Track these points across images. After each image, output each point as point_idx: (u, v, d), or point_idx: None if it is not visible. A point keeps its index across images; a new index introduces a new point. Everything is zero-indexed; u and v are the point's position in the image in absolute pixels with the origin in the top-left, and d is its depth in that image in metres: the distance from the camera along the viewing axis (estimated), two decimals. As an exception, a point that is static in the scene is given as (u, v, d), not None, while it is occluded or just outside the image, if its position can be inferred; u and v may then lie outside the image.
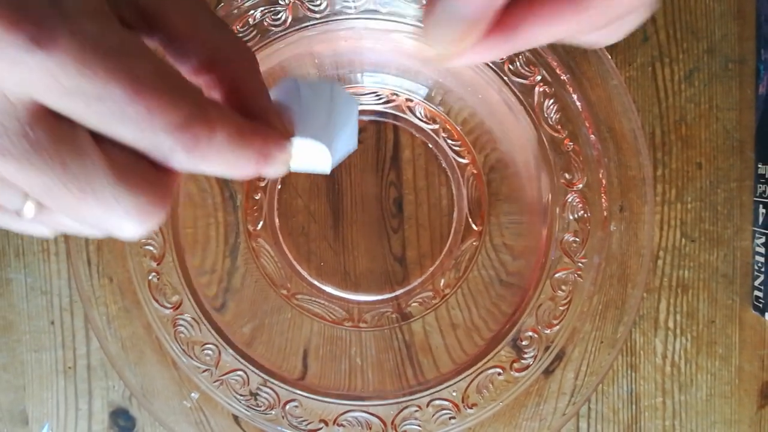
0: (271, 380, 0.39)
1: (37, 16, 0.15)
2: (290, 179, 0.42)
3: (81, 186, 0.17)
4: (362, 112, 0.42)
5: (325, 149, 0.22)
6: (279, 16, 0.38)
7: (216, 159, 0.18)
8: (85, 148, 0.17)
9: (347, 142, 0.23)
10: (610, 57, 0.37)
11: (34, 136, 0.16)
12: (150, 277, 0.38)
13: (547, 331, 0.38)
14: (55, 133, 0.16)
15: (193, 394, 0.38)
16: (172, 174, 0.19)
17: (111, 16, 0.17)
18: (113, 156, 0.17)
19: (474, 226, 0.42)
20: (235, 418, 0.38)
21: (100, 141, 0.17)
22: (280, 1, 0.37)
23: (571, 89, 0.37)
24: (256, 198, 0.42)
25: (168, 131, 0.17)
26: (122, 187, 0.17)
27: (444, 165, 0.42)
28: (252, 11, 0.37)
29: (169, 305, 0.38)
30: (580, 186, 0.38)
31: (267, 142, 0.19)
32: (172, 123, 0.17)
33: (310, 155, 0.22)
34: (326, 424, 0.38)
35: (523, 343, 0.38)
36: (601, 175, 0.38)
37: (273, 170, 0.20)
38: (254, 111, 0.20)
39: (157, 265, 0.38)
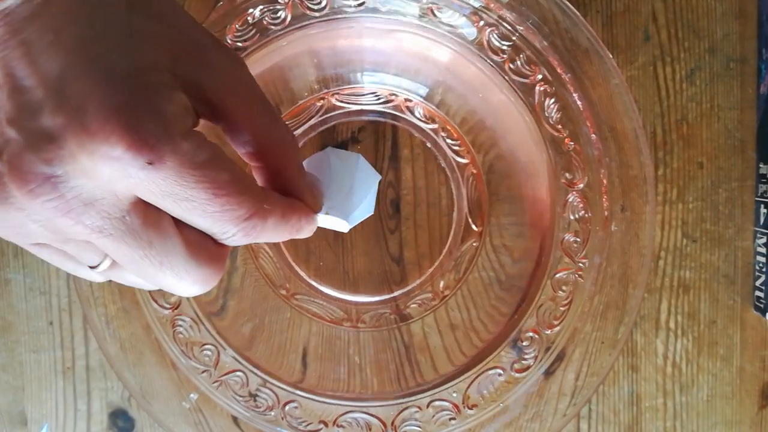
0: (271, 381, 0.38)
1: (152, 140, 0.19)
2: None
3: (161, 259, 0.22)
4: (361, 112, 0.42)
5: (345, 223, 0.27)
6: (278, 14, 0.37)
7: (263, 237, 0.23)
8: (167, 230, 0.22)
9: (365, 209, 0.28)
10: (611, 56, 0.37)
11: (130, 222, 0.21)
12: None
13: (548, 332, 0.38)
14: (146, 219, 0.21)
15: (192, 395, 0.38)
16: (228, 248, 0.23)
17: (200, 133, 0.21)
18: (187, 236, 0.22)
19: (474, 227, 0.42)
20: (235, 419, 0.38)
21: (178, 223, 0.22)
22: (279, 0, 0.37)
23: (572, 88, 0.37)
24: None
25: (234, 223, 0.22)
26: (193, 261, 0.22)
27: (443, 165, 0.42)
28: (251, 9, 0.37)
29: (168, 306, 0.38)
30: (581, 186, 0.38)
31: (301, 218, 0.25)
32: (239, 217, 0.22)
33: (332, 221, 0.27)
34: (326, 425, 0.38)
35: (524, 343, 0.38)
36: (602, 175, 0.38)
37: (302, 236, 0.25)
38: (291, 190, 0.25)
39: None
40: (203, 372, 0.38)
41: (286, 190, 0.25)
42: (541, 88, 0.38)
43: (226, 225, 0.22)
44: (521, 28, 0.37)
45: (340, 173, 0.27)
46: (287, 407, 0.38)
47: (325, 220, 0.27)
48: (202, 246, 0.22)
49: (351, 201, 0.27)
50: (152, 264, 0.22)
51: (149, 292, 0.38)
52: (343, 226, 0.28)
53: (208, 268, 0.23)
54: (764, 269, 0.42)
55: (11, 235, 0.22)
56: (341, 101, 0.42)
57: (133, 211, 0.21)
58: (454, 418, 0.38)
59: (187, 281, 0.22)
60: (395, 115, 0.42)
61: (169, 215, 0.22)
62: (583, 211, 0.38)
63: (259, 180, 0.25)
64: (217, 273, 0.23)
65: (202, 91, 0.22)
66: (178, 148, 0.20)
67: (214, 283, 0.23)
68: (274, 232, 0.23)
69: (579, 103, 0.37)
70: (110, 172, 0.20)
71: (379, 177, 0.29)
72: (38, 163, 0.19)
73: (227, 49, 0.23)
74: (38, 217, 0.20)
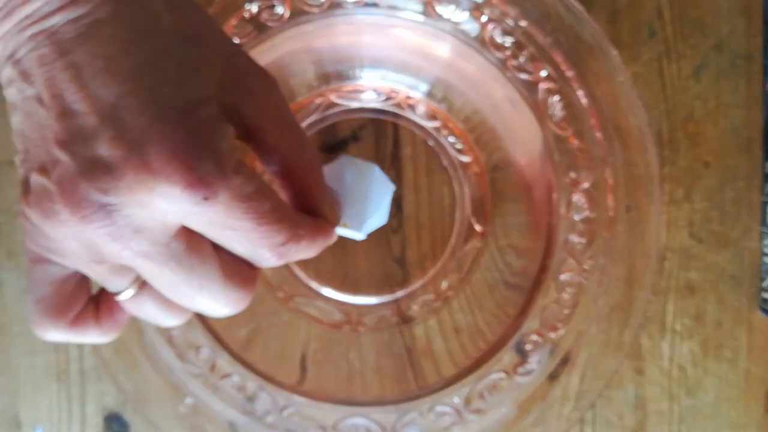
0: (268, 385, 0.38)
1: (209, 178, 0.21)
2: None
3: (200, 283, 0.23)
4: (361, 110, 0.42)
5: (359, 232, 0.29)
6: (276, 10, 0.37)
7: (292, 258, 0.24)
8: (207, 256, 0.23)
9: (379, 218, 0.29)
10: (615, 52, 0.37)
11: (175, 247, 0.22)
12: (143, 280, 0.37)
13: (552, 335, 0.38)
14: (189, 245, 0.22)
15: (187, 400, 0.38)
16: (259, 270, 0.25)
17: (246, 165, 0.22)
18: (224, 259, 0.23)
19: (477, 227, 0.41)
20: (231, 423, 0.38)
21: (214, 246, 0.23)
22: (277, -4, 0.37)
23: (576, 86, 0.37)
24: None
25: (271, 248, 0.23)
26: (228, 284, 0.23)
27: (445, 164, 0.42)
28: (248, 5, 0.37)
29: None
30: (586, 185, 0.38)
31: (325, 237, 0.26)
32: (276, 243, 0.23)
33: (348, 230, 0.29)
34: (324, 430, 0.38)
35: (527, 347, 0.38)
36: (606, 174, 0.37)
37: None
38: (314, 208, 0.26)
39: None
40: (199, 375, 0.38)
41: (309, 207, 0.26)
42: (545, 86, 0.37)
43: (264, 250, 0.23)
44: (524, 23, 0.37)
45: (357, 183, 0.29)
46: (285, 412, 0.38)
47: (341, 229, 0.28)
48: (237, 269, 0.24)
49: (366, 211, 0.29)
50: (191, 287, 0.23)
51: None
52: (357, 235, 0.29)
53: (243, 291, 0.24)
54: (771, 270, 0.41)
55: (42, 250, 0.23)
56: (341, 98, 0.41)
57: (179, 238, 0.22)
58: (456, 423, 0.38)
59: (221, 303, 0.24)
60: (396, 113, 0.42)
61: (209, 240, 0.23)
62: (587, 212, 0.38)
63: (283, 195, 0.26)
64: (249, 295, 0.24)
65: (241, 116, 0.23)
66: (231, 183, 0.21)
67: (246, 305, 0.25)
68: (302, 253, 0.25)
69: (583, 100, 0.37)
70: (166, 206, 0.21)
71: (393, 187, 0.30)
72: (93, 191, 0.20)
73: (264, 73, 0.25)
74: (83, 238, 0.21)
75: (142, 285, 0.24)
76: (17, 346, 0.43)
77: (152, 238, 0.21)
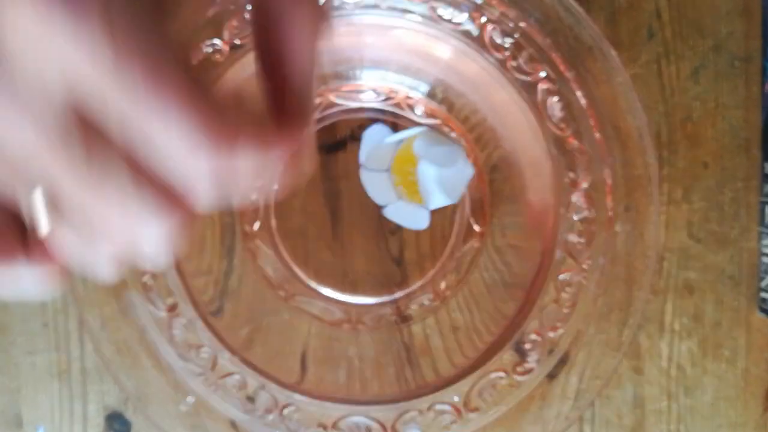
0: (269, 383, 0.38)
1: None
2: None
3: (101, 182, 0.16)
4: (361, 110, 0.42)
5: (424, 211, 0.27)
6: (277, 11, 0.37)
7: (243, 181, 0.17)
8: (112, 155, 0.16)
9: (452, 197, 0.28)
10: (615, 54, 0.36)
11: (65, 125, 0.15)
12: (144, 279, 0.37)
13: (551, 334, 0.38)
14: (86, 131, 0.16)
15: (189, 398, 0.38)
16: (192, 202, 0.17)
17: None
18: (139, 171, 0.16)
19: (476, 227, 0.41)
20: (232, 422, 0.38)
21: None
22: (277, -3, 0.37)
23: (575, 87, 0.37)
24: (252, 198, 0.42)
25: (201, 148, 0.16)
26: (149, 200, 0.17)
27: (445, 164, 0.42)
28: (249, 6, 0.37)
29: (164, 308, 0.38)
30: (585, 186, 0.38)
31: (289, 145, 0.18)
32: (208, 140, 0.16)
33: (412, 215, 0.26)
34: (325, 428, 0.38)
35: (527, 346, 0.38)
36: (605, 175, 0.37)
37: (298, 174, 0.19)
38: (288, 105, 0.19)
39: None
40: (200, 374, 0.38)
41: (283, 103, 0.19)
42: (544, 86, 0.37)
43: (192, 154, 0.16)
44: (523, 25, 0.37)
45: (447, 162, 0.26)
46: (285, 410, 0.38)
47: (404, 217, 0.25)
48: (154, 183, 0.17)
49: (444, 187, 0.27)
50: (91, 188, 0.16)
51: (145, 292, 0.37)
52: (423, 225, 0.26)
53: (171, 216, 0.17)
54: (770, 270, 0.41)
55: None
56: (340, 98, 0.41)
57: (71, 120, 0.16)
58: (455, 422, 0.38)
59: (148, 225, 0.17)
60: (395, 113, 0.41)
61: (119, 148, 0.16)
62: (586, 212, 0.38)
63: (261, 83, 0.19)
64: (182, 222, 0.17)
65: None
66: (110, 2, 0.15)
67: (185, 243, 0.18)
68: (254, 169, 0.17)
69: (582, 101, 0.37)
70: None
71: (472, 171, 0.27)
72: None
73: None
74: None
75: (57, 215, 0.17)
76: (18, 345, 0.43)
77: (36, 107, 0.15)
